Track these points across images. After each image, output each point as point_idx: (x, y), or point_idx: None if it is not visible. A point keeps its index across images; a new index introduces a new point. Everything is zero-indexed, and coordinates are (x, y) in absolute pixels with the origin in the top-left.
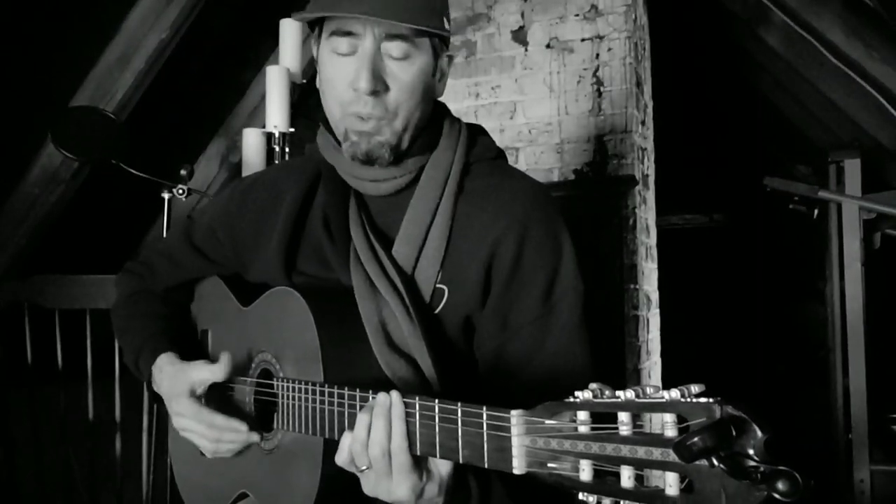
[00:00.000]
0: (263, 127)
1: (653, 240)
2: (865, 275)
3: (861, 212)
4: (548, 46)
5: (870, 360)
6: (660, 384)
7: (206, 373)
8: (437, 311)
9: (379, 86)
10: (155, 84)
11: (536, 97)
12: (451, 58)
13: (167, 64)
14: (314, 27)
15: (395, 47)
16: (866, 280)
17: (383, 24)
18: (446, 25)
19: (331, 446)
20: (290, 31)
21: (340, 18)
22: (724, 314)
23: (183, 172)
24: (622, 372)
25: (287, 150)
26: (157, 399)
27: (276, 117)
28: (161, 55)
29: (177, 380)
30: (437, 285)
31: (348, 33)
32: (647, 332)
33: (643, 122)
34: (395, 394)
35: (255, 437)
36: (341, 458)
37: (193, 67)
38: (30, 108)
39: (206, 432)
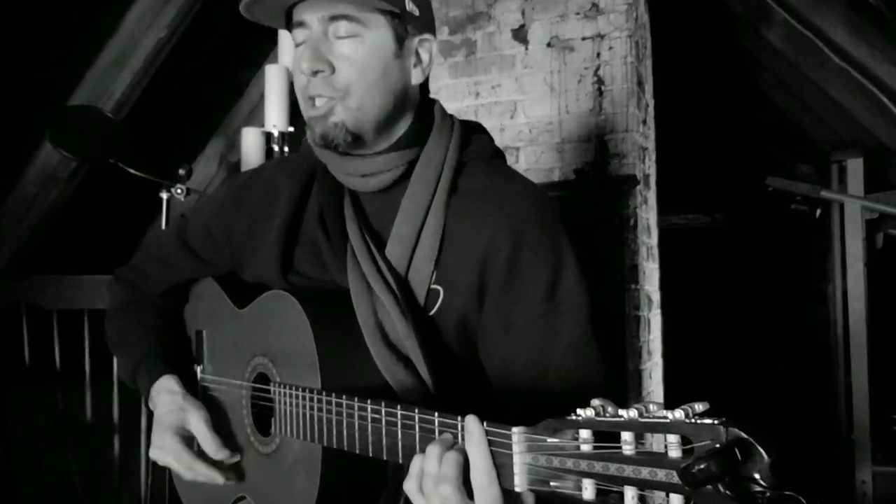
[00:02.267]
0: (262, 126)
1: (654, 240)
2: (868, 275)
3: (863, 212)
4: (548, 45)
5: (872, 360)
6: (661, 385)
7: (203, 433)
8: (432, 313)
9: (321, 66)
10: (153, 83)
11: (537, 96)
12: (430, 42)
13: (165, 63)
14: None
15: (340, 27)
16: (868, 280)
17: (323, 7)
18: (408, 5)
19: (330, 452)
20: None
21: (296, 12)
22: (726, 314)
23: (181, 172)
24: (623, 373)
25: (286, 149)
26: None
27: (275, 116)
28: (159, 54)
29: (171, 414)
30: (432, 286)
31: (300, 24)
32: (649, 333)
33: (644, 122)
34: (471, 418)
35: (229, 486)
36: (409, 487)
37: (192, 66)
38: (28, 108)
39: (182, 472)
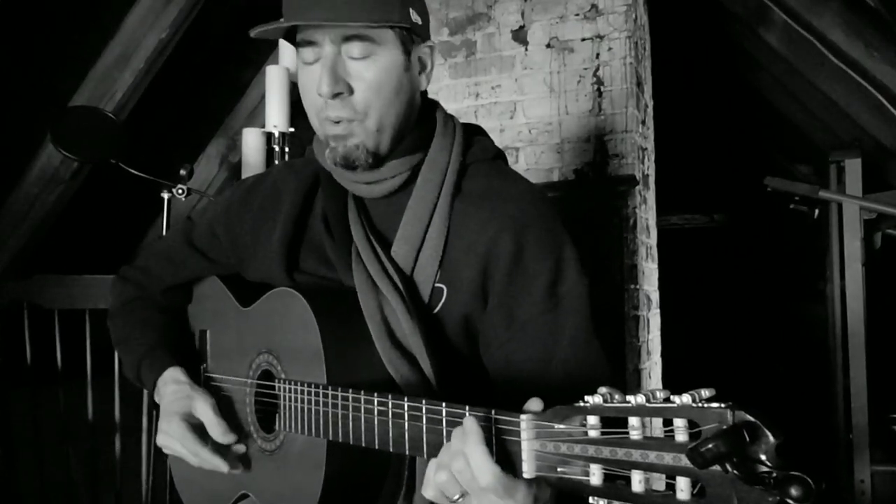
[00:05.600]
0: (263, 127)
1: (653, 240)
2: (866, 275)
3: (861, 212)
4: (548, 46)
5: (870, 360)
6: (660, 385)
7: (209, 418)
8: (436, 311)
9: (340, 88)
10: (154, 84)
11: (536, 97)
12: (431, 48)
13: (167, 63)
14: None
15: (354, 48)
16: (867, 280)
17: (337, 28)
18: (413, 17)
19: (334, 448)
20: None
21: (303, 29)
22: (725, 314)
23: (182, 172)
24: (623, 372)
25: (287, 149)
26: (157, 404)
27: (276, 117)
28: (161, 55)
29: (178, 401)
30: (436, 284)
31: (310, 42)
32: (648, 333)
33: (643, 122)
34: (469, 420)
35: (236, 472)
36: (429, 493)
37: (193, 67)
38: (30, 108)
39: (188, 457)
